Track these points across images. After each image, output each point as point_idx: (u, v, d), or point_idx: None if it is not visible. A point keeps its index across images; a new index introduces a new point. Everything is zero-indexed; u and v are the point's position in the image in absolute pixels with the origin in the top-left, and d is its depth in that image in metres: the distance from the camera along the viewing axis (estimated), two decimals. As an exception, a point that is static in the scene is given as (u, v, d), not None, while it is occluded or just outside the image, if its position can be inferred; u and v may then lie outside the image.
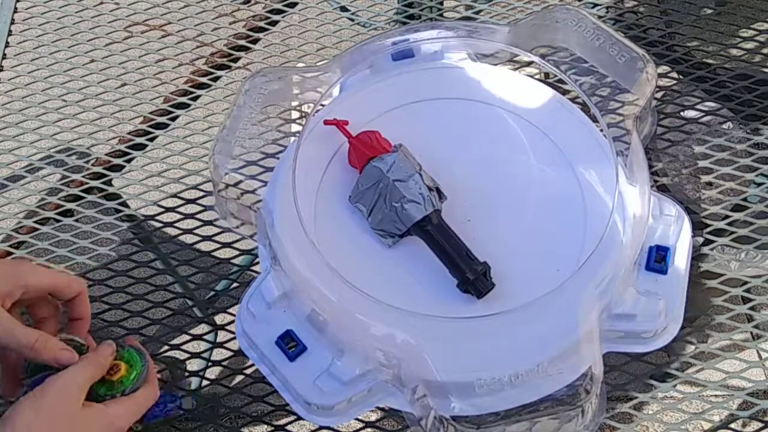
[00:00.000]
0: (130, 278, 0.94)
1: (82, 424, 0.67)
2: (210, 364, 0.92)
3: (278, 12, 1.15)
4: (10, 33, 1.13)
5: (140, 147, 1.04)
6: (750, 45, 1.06)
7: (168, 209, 0.98)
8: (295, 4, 1.16)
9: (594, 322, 0.82)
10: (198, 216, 0.97)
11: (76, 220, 1.00)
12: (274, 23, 1.14)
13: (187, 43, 1.11)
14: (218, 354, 0.91)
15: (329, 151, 0.94)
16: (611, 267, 0.86)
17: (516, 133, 0.96)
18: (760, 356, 0.90)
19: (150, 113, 1.06)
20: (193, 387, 0.90)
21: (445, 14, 1.14)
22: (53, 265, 0.92)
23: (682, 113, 1.02)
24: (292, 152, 0.91)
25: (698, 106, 1.03)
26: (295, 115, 1.04)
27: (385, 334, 0.83)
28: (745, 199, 0.96)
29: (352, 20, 1.13)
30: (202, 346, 0.95)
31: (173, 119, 1.06)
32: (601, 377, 0.80)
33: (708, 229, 0.93)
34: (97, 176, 1.02)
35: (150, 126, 1.06)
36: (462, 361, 0.82)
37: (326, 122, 0.94)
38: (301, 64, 1.08)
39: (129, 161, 1.03)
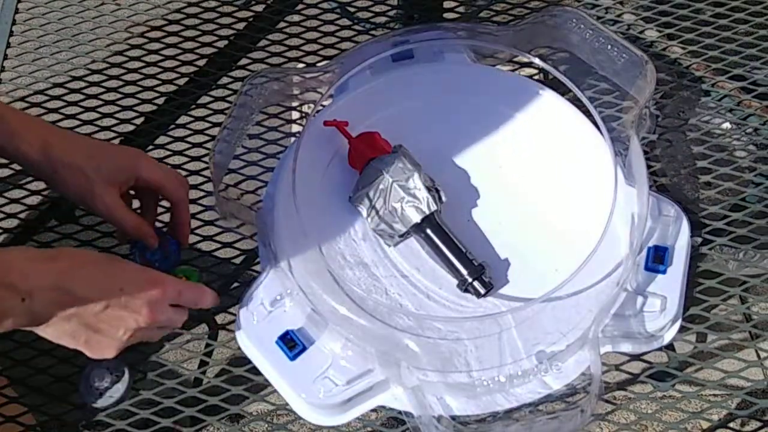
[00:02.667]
0: (131, 278, 0.94)
1: (133, 268, 0.79)
2: (210, 363, 0.93)
3: (278, 12, 1.15)
4: (11, 33, 1.13)
5: (140, 147, 1.04)
6: (747, 45, 1.07)
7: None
8: (296, 4, 1.16)
9: (593, 322, 0.83)
10: (198, 216, 0.97)
11: (77, 220, 1.00)
12: (274, 23, 1.14)
13: (187, 43, 1.11)
14: (218, 354, 0.91)
15: (329, 152, 0.94)
16: (610, 267, 0.86)
17: (515, 134, 0.96)
18: (758, 355, 0.90)
19: (150, 113, 1.07)
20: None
21: (444, 14, 1.15)
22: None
23: (680, 114, 1.02)
24: (293, 153, 0.92)
25: (696, 107, 1.03)
26: (295, 115, 1.04)
27: (385, 334, 0.83)
28: (743, 199, 0.96)
29: (352, 20, 1.13)
30: (202, 345, 0.95)
31: (173, 119, 1.06)
32: (600, 377, 0.80)
33: (707, 229, 0.93)
34: (98, 176, 1.02)
35: (150, 126, 1.06)
36: (461, 361, 0.83)
37: (326, 123, 0.94)
38: (301, 64, 1.08)
39: (129, 161, 1.03)
